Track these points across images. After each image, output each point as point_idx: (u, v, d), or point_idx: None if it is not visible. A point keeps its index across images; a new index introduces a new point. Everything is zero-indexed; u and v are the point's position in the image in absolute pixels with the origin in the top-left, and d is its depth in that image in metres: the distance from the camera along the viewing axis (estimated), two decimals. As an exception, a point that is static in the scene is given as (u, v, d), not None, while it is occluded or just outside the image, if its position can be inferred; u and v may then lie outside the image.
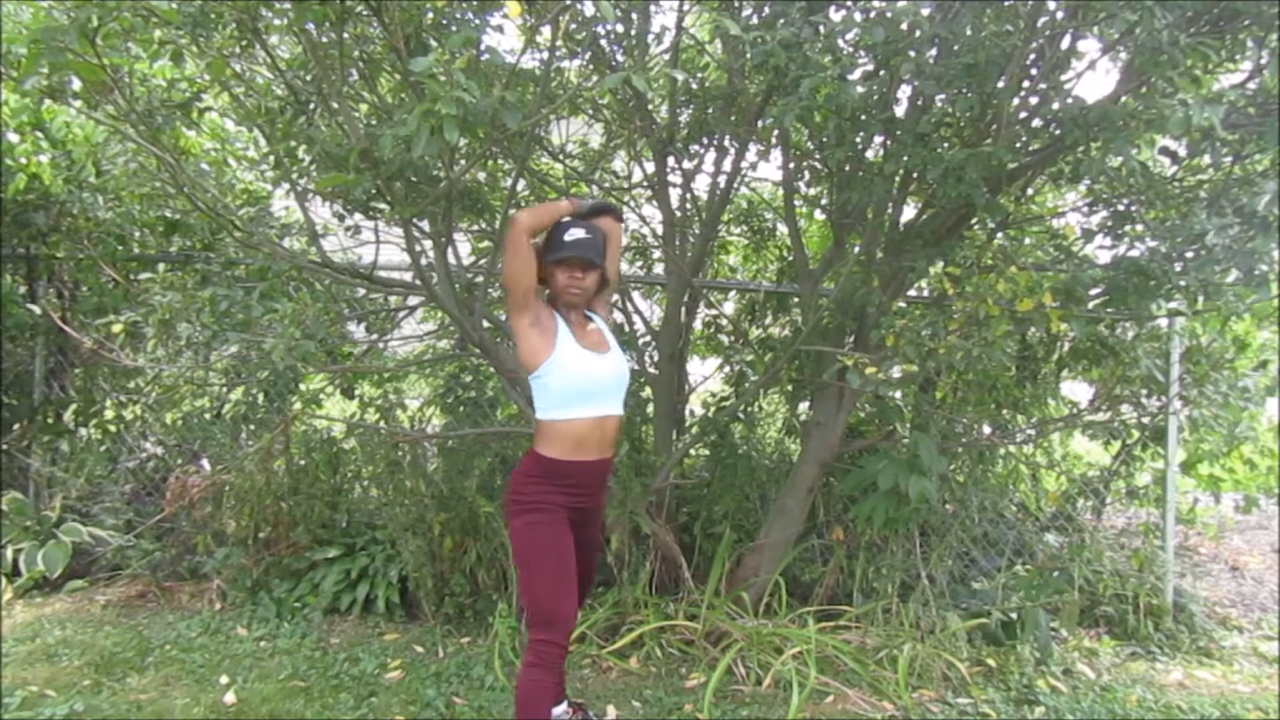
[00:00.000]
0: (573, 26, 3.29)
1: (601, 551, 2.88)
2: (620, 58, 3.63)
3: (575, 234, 2.52)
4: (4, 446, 4.60)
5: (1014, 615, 3.70)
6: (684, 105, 3.84)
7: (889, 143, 3.27)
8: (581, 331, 2.58)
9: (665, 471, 3.77)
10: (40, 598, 4.19)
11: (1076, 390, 4.70)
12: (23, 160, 4.14)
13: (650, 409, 4.05)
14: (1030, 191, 4.02)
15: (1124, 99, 2.95)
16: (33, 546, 4.24)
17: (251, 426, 4.51)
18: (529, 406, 2.92)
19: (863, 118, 3.11)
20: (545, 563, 2.46)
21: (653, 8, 3.62)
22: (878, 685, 3.37)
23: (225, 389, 4.55)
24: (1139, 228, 3.29)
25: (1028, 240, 4.31)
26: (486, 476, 4.12)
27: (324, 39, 2.94)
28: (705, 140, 3.82)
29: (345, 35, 2.90)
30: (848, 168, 3.42)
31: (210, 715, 3.10)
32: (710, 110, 3.68)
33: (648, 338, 4.20)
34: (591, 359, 2.53)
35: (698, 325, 4.65)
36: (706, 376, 4.62)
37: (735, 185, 4.04)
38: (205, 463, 4.56)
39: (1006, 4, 2.95)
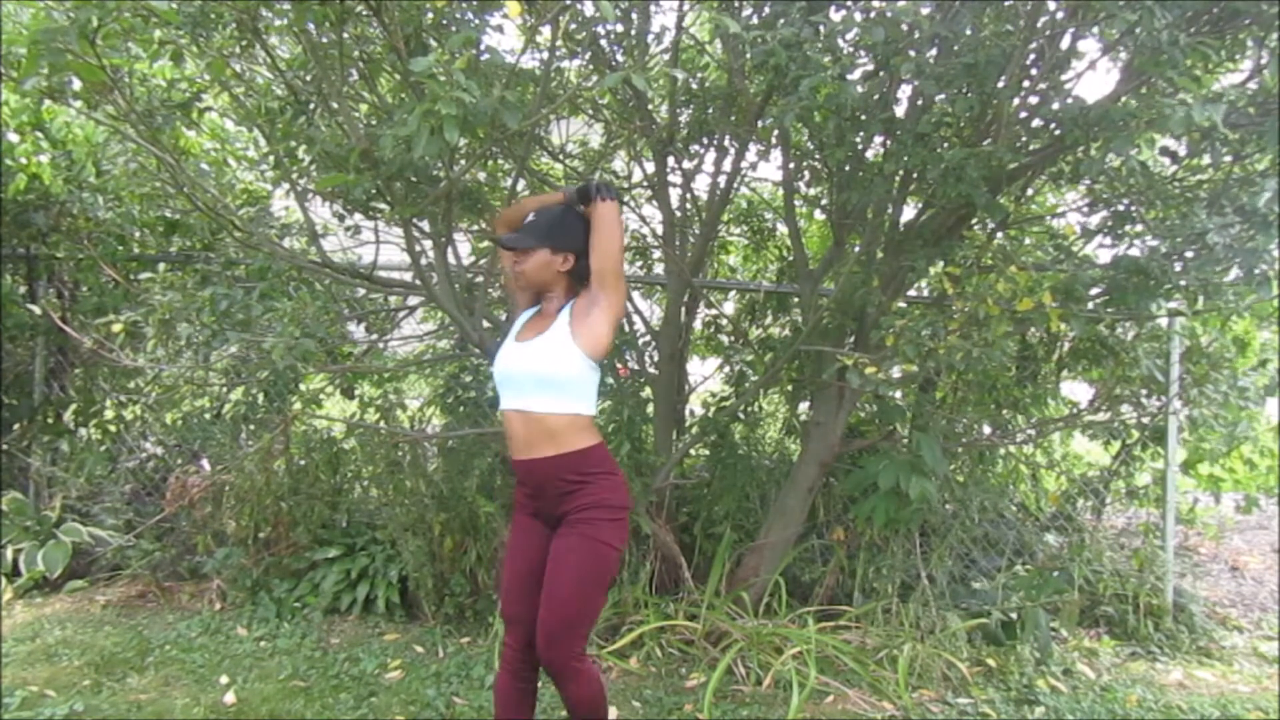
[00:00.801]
0: (573, 26, 3.29)
1: (563, 567, 2.31)
2: (620, 58, 3.63)
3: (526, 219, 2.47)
4: (4, 446, 4.60)
5: (1014, 615, 3.70)
6: (684, 105, 3.83)
7: (889, 143, 3.27)
8: (533, 322, 2.43)
9: (665, 471, 3.77)
10: (40, 598, 4.19)
11: (1076, 390, 4.70)
12: (23, 160, 4.14)
13: (650, 409, 4.05)
14: (1030, 191, 4.02)
15: (1124, 99, 2.95)
16: (33, 546, 4.24)
17: (251, 426, 4.50)
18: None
19: (863, 118, 3.11)
20: (506, 562, 2.50)
21: (653, 8, 3.62)
22: (878, 685, 3.37)
23: (225, 389, 4.55)
24: (1139, 227, 3.29)
25: (1028, 240, 4.31)
26: (486, 476, 4.11)
27: (324, 39, 2.94)
28: (705, 140, 3.82)
29: (345, 35, 2.90)
30: (848, 168, 3.42)
31: (210, 715, 3.10)
32: (710, 110, 3.68)
33: (648, 338, 4.20)
34: (509, 349, 2.40)
35: (698, 325, 4.65)
36: (706, 376, 4.62)
37: (735, 185, 4.04)
38: (205, 463, 4.57)
39: (1006, 4, 2.95)
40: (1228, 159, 3.15)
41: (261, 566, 4.13)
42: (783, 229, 4.67)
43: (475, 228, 4.16)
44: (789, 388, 4.53)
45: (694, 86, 3.82)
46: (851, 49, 2.91)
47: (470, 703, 3.22)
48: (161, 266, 4.03)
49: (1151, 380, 3.93)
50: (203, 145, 4.63)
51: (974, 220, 3.58)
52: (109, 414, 4.92)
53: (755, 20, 3.16)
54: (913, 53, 2.81)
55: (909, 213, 3.79)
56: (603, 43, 3.59)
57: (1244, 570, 5.12)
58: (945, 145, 3.09)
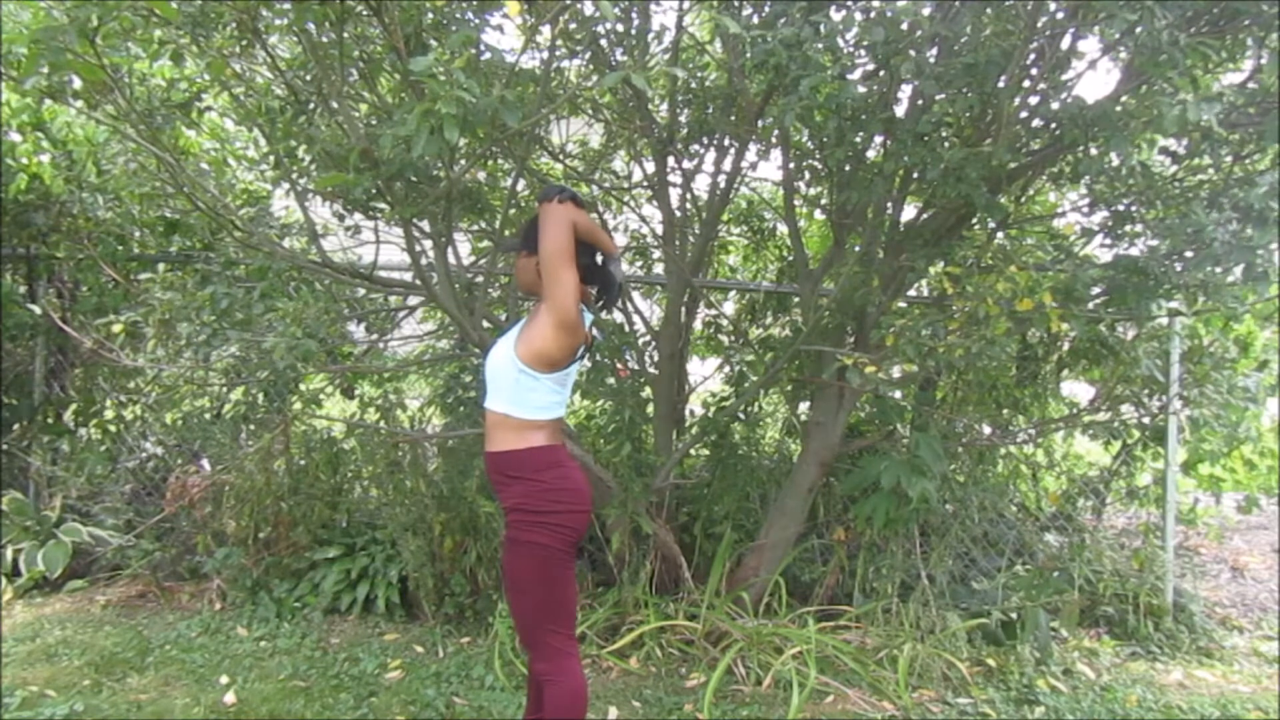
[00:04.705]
0: (572, 26, 3.28)
1: (503, 579, 2.43)
2: (620, 57, 3.63)
3: None
4: (4, 446, 4.60)
5: (1014, 615, 3.70)
6: (684, 105, 3.84)
7: (889, 143, 3.27)
8: None
9: (665, 471, 3.77)
10: (40, 598, 4.19)
11: (1076, 390, 4.70)
12: (23, 160, 4.14)
13: (650, 409, 4.05)
14: (1030, 191, 4.02)
15: (1124, 99, 2.95)
16: (33, 546, 4.24)
17: (251, 426, 4.50)
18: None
19: (863, 117, 3.11)
20: None
21: (653, 7, 3.62)
22: (878, 685, 3.37)
23: (225, 389, 4.55)
24: (1139, 227, 3.29)
25: (1028, 240, 4.31)
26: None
27: (324, 39, 2.94)
28: (705, 140, 3.82)
29: (345, 35, 2.90)
30: (848, 168, 3.42)
31: (210, 715, 3.10)
32: (710, 110, 3.68)
33: (648, 338, 4.20)
34: None
35: (698, 325, 4.65)
36: (706, 376, 4.61)
37: (735, 185, 4.04)
38: (205, 463, 4.57)
39: (1006, 4, 2.95)
40: (1228, 159, 3.15)
41: (261, 566, 4.13)
42: (783, 229, 4.67)
43: (475, 228, 4.16)
44: (789, 388, 4.52)
45: (694, 86, 3.81)
46: (851, 49, 2.91)
47: (470, 703, 3.22)
48: (161, 266, 4.04)
49: (1152, 380, 3.93)
50: (203, 145, 4.63)
51: (974, 220, 3.58)
52: (109, 414, 4.92)
53: (755, 20, 3.16)
54: (913, 53, 2.81)
55: (909, 213, 3.79)
56: (603, 42, 3.58)
57: (1244, 570, 5.12)
58: (945, 145, 3.09)
